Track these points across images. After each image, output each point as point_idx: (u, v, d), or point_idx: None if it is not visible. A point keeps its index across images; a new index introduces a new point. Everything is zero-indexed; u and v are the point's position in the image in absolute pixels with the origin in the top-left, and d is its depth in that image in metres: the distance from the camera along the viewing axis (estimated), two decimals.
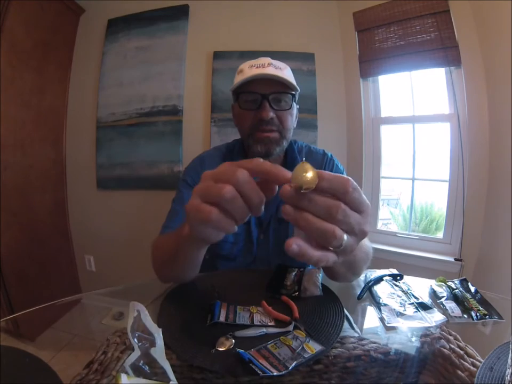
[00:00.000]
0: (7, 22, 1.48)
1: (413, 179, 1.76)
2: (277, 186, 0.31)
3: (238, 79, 0.72)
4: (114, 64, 1.89)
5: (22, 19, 1.56)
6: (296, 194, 0.27)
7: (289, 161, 0.79)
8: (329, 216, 0.27)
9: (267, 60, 0.73)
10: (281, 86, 0.70)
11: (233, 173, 0.30)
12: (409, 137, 1.73)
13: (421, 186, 1.83)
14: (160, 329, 0.34)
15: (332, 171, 0.78)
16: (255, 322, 0.47)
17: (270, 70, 0.69)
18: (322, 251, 0.29)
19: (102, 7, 1.91)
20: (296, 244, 0.27)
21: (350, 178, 0.28)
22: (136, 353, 0.33)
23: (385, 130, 1.78)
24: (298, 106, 0.80)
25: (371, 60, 1.70)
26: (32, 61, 1.66)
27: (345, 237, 0.28)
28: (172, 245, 0.53)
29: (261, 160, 0.31)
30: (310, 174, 0.27)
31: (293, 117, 0.75)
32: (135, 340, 0.33)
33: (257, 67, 0.70)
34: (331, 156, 0.83)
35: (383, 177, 1.81)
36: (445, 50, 1.49)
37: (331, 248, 0.29)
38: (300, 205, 0.28)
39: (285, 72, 0.72)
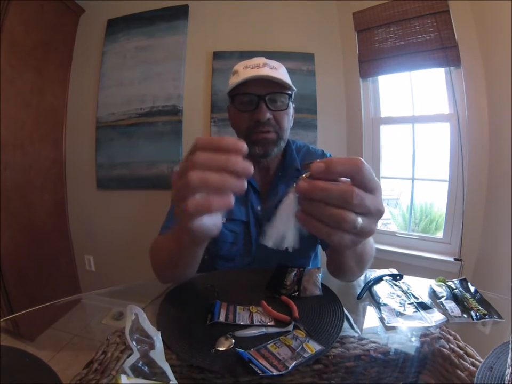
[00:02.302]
0: (7, 22, 1.48)
1: (413, 179, 1.76)
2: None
3: (233, 80, 0.71)
4: (114, 64, 1.88)
5: (22, 19, 1.56)
6: (310, 187, 0.28)
7: (288, 161, 0.79)
8: (345, 202, 0.28)
9: (262, 60, 0.72)
10: (277, 86, 0.69)
11: (189, 160, 0.29)
12: (409, 137, 1.73)
13: (421, 186, 1.83)
14: (159, 332, 0.34)
15: None
16: (255, 322, 0.47)
17: (266, 71, 0.68)
18: (335, 231, 0.29)
19: (102, 7, 1.91)
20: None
21: (360, 158, 0.29)
22: (135, 356, 0.33)
23: (385, 130, 1.78)
24: (294, 105, 0.79)
25: (371, 60, 1.70)
26: (32, 61, 1.65)
27: (360, 220, 0.29)
28: (170, 245, 0.53)
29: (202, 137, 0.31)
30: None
31: (289, 117, 0.74)
32: (134, 342, 0.33)
33: (252, 68, 0.69)
34: (330, 156, 0.82)
35: (382, 177, 1.81)
36: (445, 50, 1.49)
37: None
38: (316, 197, 0.28)
39: (280, 71, 0.72)
